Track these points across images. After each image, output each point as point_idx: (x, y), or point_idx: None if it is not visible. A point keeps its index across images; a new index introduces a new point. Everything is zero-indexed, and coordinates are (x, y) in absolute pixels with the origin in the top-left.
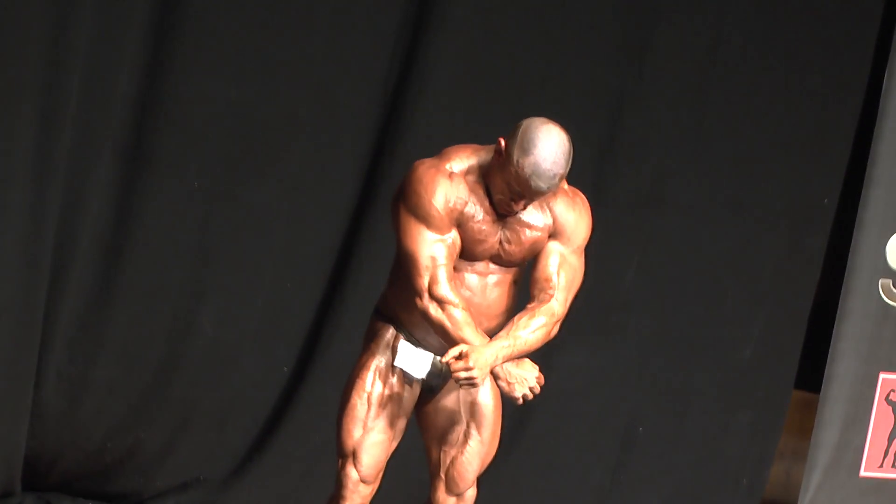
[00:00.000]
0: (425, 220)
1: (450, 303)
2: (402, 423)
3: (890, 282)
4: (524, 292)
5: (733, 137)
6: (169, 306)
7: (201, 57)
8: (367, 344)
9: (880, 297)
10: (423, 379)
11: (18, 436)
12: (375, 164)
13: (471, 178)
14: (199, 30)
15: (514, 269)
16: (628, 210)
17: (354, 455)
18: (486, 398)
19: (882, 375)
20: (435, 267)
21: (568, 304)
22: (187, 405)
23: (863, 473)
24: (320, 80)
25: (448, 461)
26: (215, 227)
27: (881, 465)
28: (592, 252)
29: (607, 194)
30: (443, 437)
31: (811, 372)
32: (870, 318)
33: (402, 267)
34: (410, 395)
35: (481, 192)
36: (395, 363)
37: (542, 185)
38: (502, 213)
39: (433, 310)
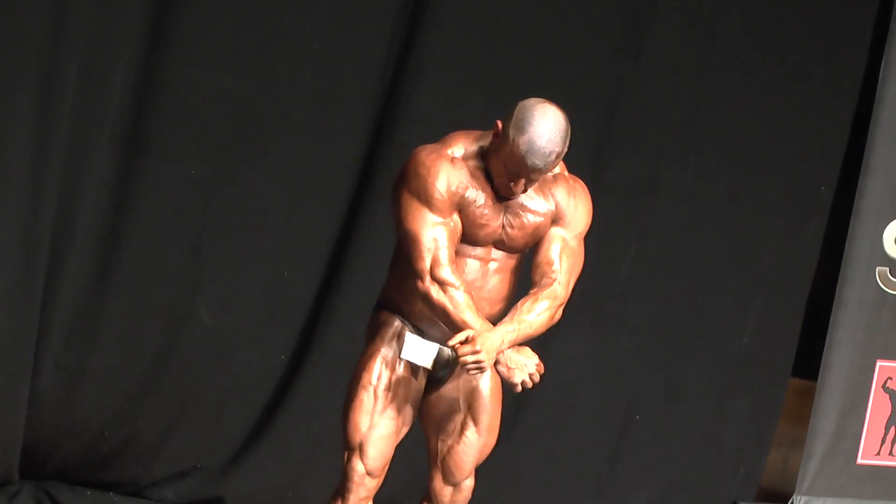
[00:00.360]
0: (427, 202)
1: (451, 285)
2: (408, 415)
3: (887, 270)
4: (525, 279)
5: (730, 126)
6: (166, 295)
7: (198, 46)
8: (372, 336)
9: (877, 284)
10: (429, 370)
11: (16, 425)
12: (373, 152)
13: (472, 163)
14: (196, 19)
15: (516, 256)
16: (626, 198)
17: (361, 448)
18: (486, 389)
19: (879, 363)
20: (437, 249)
21: (570, 289)
22: (185, 394)
23: (860, 461)
24: (317, 68)
25: (445, 450)
26: (212, 216)
27: (878, 453)
28: (590, 240)
29: (605, 182)
30: (441, 427)
31: (808, 360)
32: (867, 305)
33: (403, 250)
34: (416, 387)
35: (482, 177)
36: (402, 355)
37: (538, 162)
38: (503, 195)
39: (434, 292)
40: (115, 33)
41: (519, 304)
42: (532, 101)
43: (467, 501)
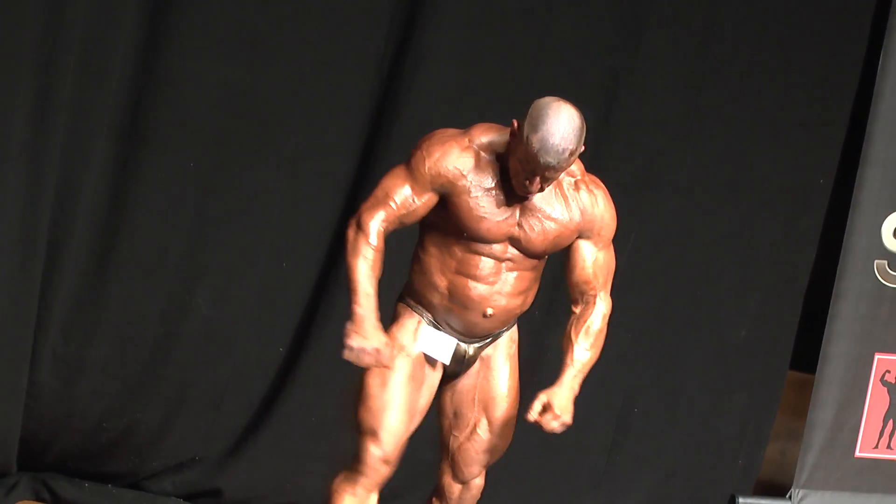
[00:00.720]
0: (410, 169)
1: (368, 235)
2: (422, 405)
3: (885, 262)
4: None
5: (729, 118)
6: (165, 286)
7: (197, 37)
8: (389, 328)
9: (876, 277)
10: (445, 364)
11: (14, 416)
12: (371, 145)
13: (486, 154)
14: (195, 10)
15: (533, 260)
16: (624, 191)
17: (375, 434)
18: (503, 388)
19: (877, 356)
20: (383, 203)
21: (609, 289)
22: (183, 385)
23: (858, 454)
24: (316, 60)
25: (456, 446)
26: (211, 208)
27: (876, 446)
28: None
29: (603, 175)
30: (455, 422)
31: (807, 352)
32: (865, 298)
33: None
34: (431, 380)
35: (493, 171)
36: (418, 347)
37: (551, 159)
38: (520, 194)
39: (351, 233)
40: (113, 25)
41: (572, 335)
42: (547, 99)
43: (476, 500)
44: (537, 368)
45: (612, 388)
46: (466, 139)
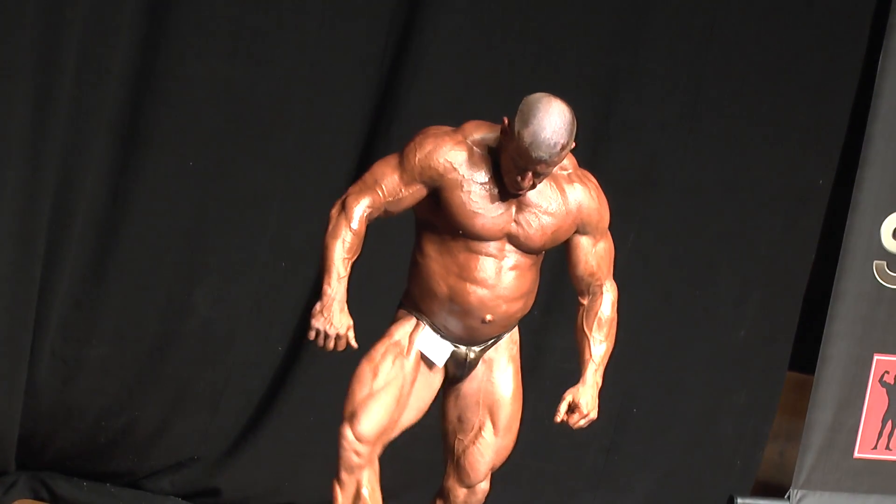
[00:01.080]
0: (402, 158)
1: (350, 217)
2: (416, 401)
3: (885, 263)
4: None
5: (728, 118)
6: (163, 286)
7: (196, 37)
8: (388, 328)
9: (875, 278)
10: (443, 367)
11: (13, 415)
12: (370, 144)
13: (479, 150)
14: (195, 8)
15: (532, 255)
16: (623, 191)
17: (353, 415)
18: (507, 391)
19: (876, 357)
20: (370, 189)
21: (613, 278)
22: (182, 384)
23: (857, 455)
24: (315, 59)
25: (461, 450)
26: (210, 206)
27: (875, 447)
28: None
29: (602, 174)
30: (459, 426)
31: (805, 353)
32: (864, 299)
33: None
34: (429, 380)
35: (486, 168)
36: (416, 347)
37: (543, 154)
38: (513, 191)
39: (335, 212)
40: (113, 24)
41: (585, 329)
42: (537, 94)
43: None
44: (537, 369)
45: (610, 388)
46: (460, 135)
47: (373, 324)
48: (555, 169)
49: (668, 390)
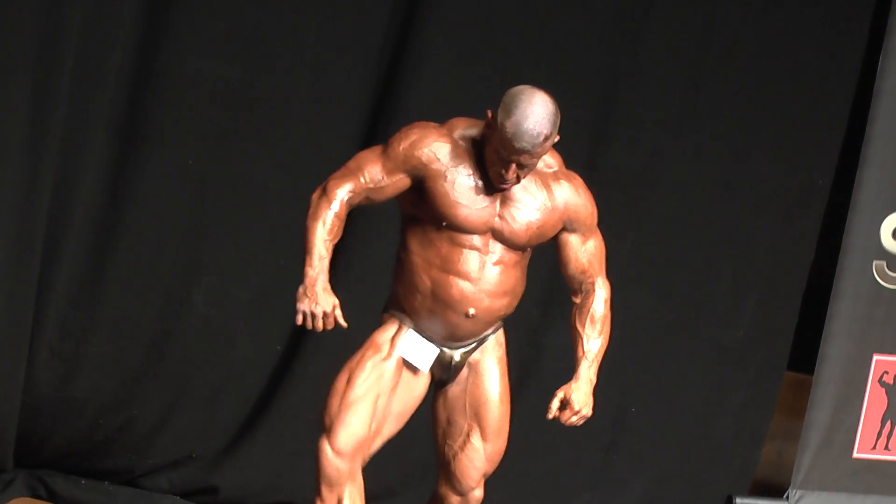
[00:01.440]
0: (386, 147)
1: (330, 200)
2: (400, 409)
3: (884, 263)
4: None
5: (727, 117)
6: (162, 283)
7: (195, 33)
8: (372, 333)
9: (874, 278)
10: (429, 372)
11: (11, 412)
12: (368, 143)
13: (464, 144)
14: (194, 6)
15: (519, 252)
16: (622, 190)
17: (330, 428)
18: (494, 395)
19: (875, 357)
20: (352, 174)
21: (606, 276)
22: (180, 382)
23: (855, 455)
24: (314, 56)
25: (451, 456)
26: (209, 204)
27: (874, 447)
28: None
29: (601, 173)
30: (448, 432)
31: (804, 353)
32: (863, 299)
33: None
34: (411, 385)
35: (469, 160)
36: (397, 352)
37: (526, 144)
38: (498, 185)
39: (316, 195)
40: (111, 21)
41: (579, 327)
42: (520, 87)
43: None
44: (536, 368)
45: (609, 387)
46: (445, 129)
47: (366, 326)
48: (539, 163)
49: (666, 390)
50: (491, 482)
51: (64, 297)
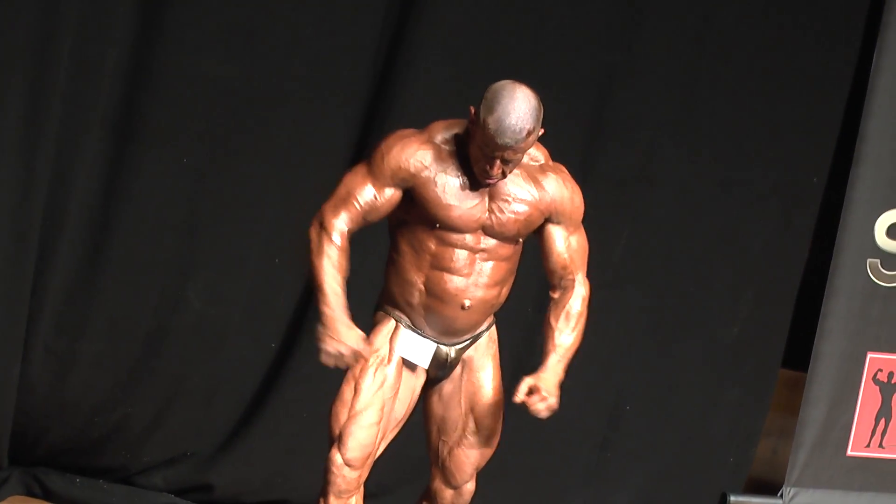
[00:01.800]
0: (371, 165)
1: (330, 234)
2: (400, 412)
3: (878, 262)
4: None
5: (722, 115)
6: (157, 281)
7: (190, 32)
8: (367, 336)
9: (868, 276)
10: (426, 369)
11: (6, 410)
12: (364, 140)
13: (447, 147)
14: (189, 4)
15: (509, 245)
16: (617, 187)
17: (340, 439)
18: (488, 390)
19: (870, 355)
20: (346, 202)
21: (586, 271)
22: (175, 380)
23: (850, 452)
24: (309, 56)
25: (446, 452)
26: (204, 202)
27: (868, 445)
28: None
29: (596, 171)
30: (442, 428)
31: (799, 350)
32: (858, 297)
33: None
34: (411, 385)
35: (456, 162)
36: (396, 353)
37: (508, 140)
38: (483, 181)
39: (314, 232)
40: (107, 19)
41: (552, 321)
42: (502, 82)
43: None
44: (529, 367)
45: (603, 385)
46: (426, 135)
47: (363, 327)
48: (524, 157)
49: (661, 387)
50: (486, 480)
51: (59, 294)
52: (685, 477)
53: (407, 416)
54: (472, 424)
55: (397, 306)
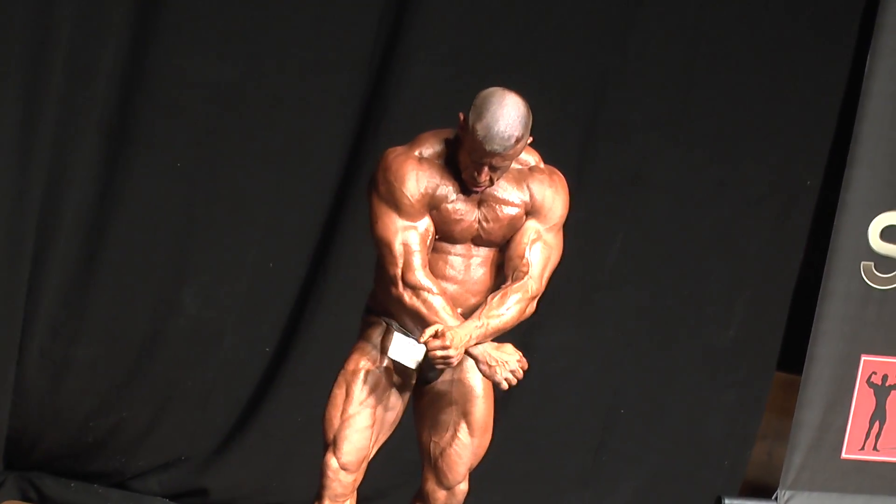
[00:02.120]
0: (396, 207)
1: (425, 289)
2: (392, 415)
3: (872, 265)
4: None
5: (717, 117)
6: (152, 285)
7: (185, 36)
8: (358, 338)
9: (862, 279)
10: (416, 370)
11: (0, 415)
12: (359, 143)
13: (441, 160)
14: (184, 7)
15: (496, 249)
16: (612, 190)
17: (335, 443)
18: (478, 390)
19: (864, 357)
20: (408, 254)
21: (544, 281)
22: (170, 384)
23: (844, 455)
24: (304, 59)
25: (438, 452)
26: (198, 206)
27: (862, 448)
28: (576, 231)
29: (591, 174)
30: (433, 428)
31: (793, 353)
32: (852, 299)
33: (378, 256)
34: (402, 388)
35: (452, 174)
36: (389, 354)
37: (497, 146)
38: (471, 188)
39: (407, 297)
40: (101, 22)
41: (489, 298)
42: (491, 88)
43: None
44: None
45: (599, 387)
46: (416, 153)
47: (354, 328)
48: (513, 164)
49: (656, 390)
50: (481, 483)
51: (54, 299)
52: (680, 479)
53: (399, 418)
54: (463, 424)
55: (387, 313)
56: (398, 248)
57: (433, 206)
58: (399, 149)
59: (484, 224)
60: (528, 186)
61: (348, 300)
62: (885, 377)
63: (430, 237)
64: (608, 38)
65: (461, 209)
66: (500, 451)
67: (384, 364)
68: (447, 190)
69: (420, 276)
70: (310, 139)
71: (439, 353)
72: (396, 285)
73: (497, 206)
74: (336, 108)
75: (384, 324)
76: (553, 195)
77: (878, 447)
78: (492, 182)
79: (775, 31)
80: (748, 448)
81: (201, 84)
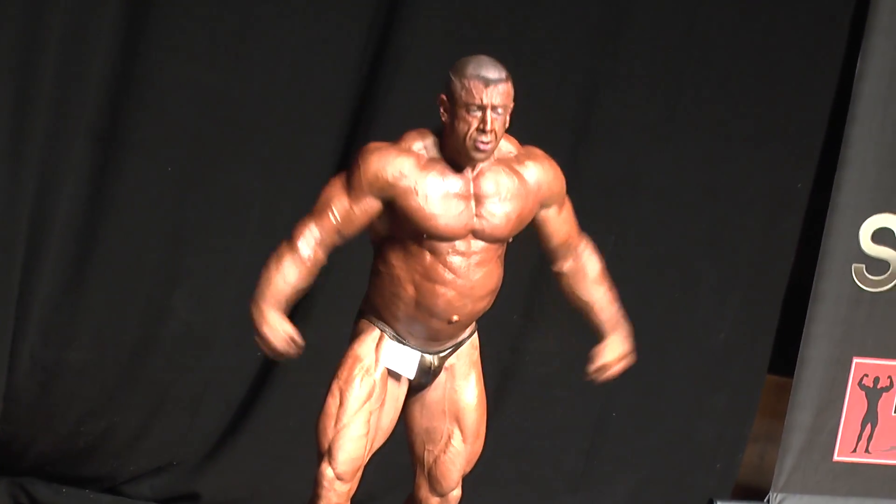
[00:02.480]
0: (348, 178)
1: (296, 243)
2: (386, 422)
3: (863, 266)
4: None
5: (708, 121)
6: (143, 290)
7: (176, 41)
8: (350, 344)
9: (854, 281)
10: (410, 379)
11: None
12: (350, 147)
13: (426, 153)
14: (175, 12)
15: (497, 245)
16: (603, 193)
17: (330, 452)
18: (471, 396)
19: (855, 360)
20: (321, 213)
21: (579, 229)
22: (161, 389)
23: (836, 458)
24: (295, 62)
25: (431, 460)
26: (190, 211)
27: (854, 450)
28: None
29: (582, 177)
30: (426, 436)
31: (785, 355)
32: (843, 302)
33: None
34: (395, 394)
35: (435, 168)
36: (383, 363)
37: (492, 76)
38: (477, 154)
39: (278, 251)
40: (92, 27)
41: (581, 294)
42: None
43: None
44: (515, 372)
45: (590, 390)
46: (402, 144)
47: (346, 333)
48: (499, 151)
49: (647, 393)
50: (473, 487)
51: (45, 303)
52: (672, 482)
53: (394, 425)
54: (457, 432)
55: (382, 318)
56: (319, 207)
57: (391, 196)
58: (385, 143)
59: (489, 220)
60: (524, 177)
61: (340, 305)
62: (876, 379)
63: (361, 219)
64: (599, 40)
65: (437, 204)
66: (492, 456)
67: (378, 371)
68: (421, 184)
69: (308, 234)
70: (301, 142)
71: (607, 375)
72: (289, 236)
73: (497, 201)
74: (326, 112)
75: (377, 329)
76: (555, 176)
77: (869, 449)
78: (496, 136)
79: (766, 34)
80: (740, 450)
81: (191, 88)
